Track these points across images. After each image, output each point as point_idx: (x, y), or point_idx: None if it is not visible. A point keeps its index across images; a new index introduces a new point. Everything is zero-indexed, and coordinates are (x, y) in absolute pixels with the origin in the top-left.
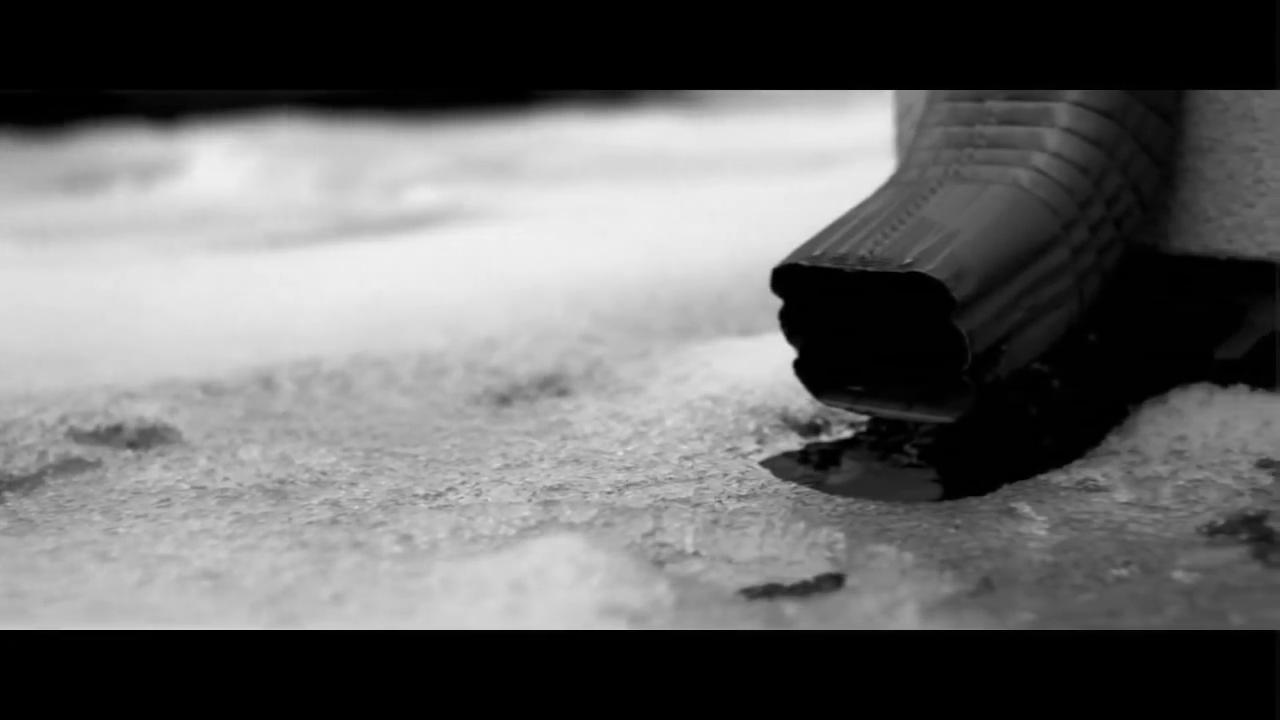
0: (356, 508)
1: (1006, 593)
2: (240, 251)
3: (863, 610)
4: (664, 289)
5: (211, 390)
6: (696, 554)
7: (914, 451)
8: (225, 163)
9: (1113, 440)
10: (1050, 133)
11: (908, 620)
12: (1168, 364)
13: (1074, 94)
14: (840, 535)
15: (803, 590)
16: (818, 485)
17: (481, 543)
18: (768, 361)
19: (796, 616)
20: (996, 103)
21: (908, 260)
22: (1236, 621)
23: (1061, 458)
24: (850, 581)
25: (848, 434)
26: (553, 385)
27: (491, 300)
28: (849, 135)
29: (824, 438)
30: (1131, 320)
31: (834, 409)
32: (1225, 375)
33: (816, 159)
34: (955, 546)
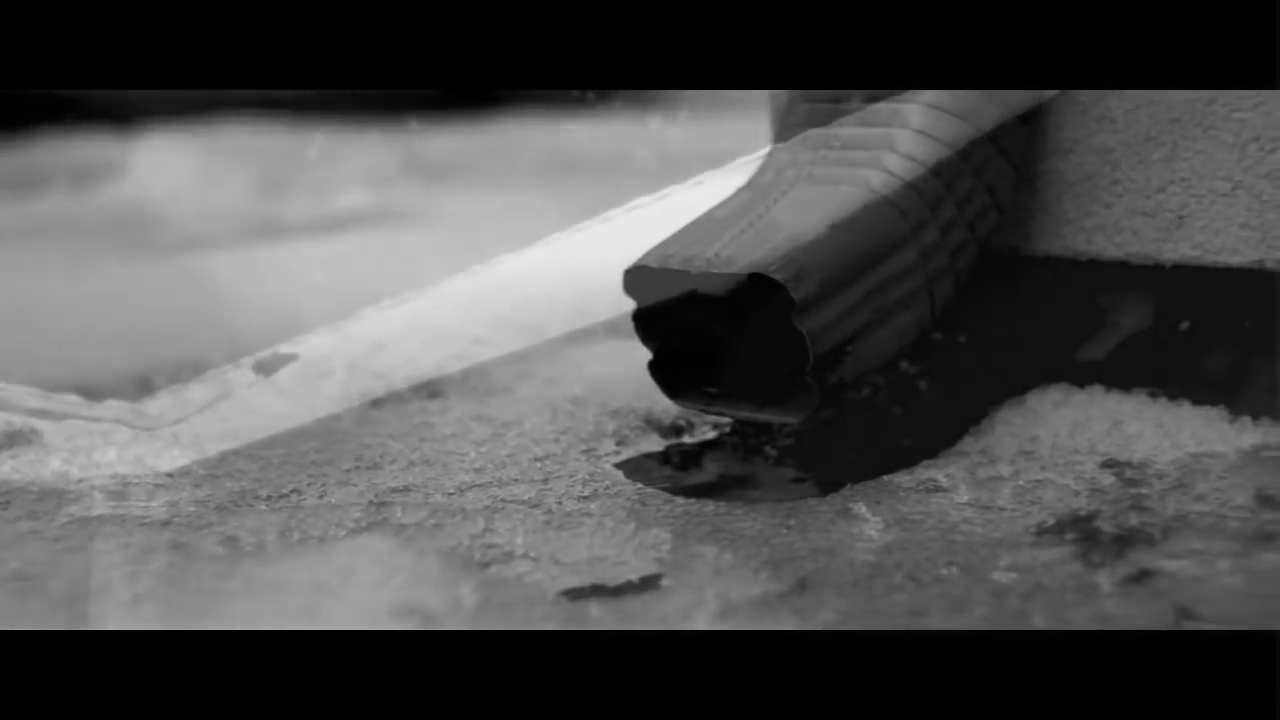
0: (193, 509)
1: (818, 593)
2: (152, 255)
3: (663, 611)
4: (567, 293)
5: (85, 393)
6: (525, 555)
7: (774, 453)
8: (166, 166)
9: (967, 441)
10: (902, 134)
11: (703, 621)
12: (1032, 365)
13: (928, 95)
14: (668, 536)
15: (622, 591)
16: (666, 487)
17: (309, 544)
18: (640, 364)
19: (599, 617)
20: (853, 104)
21: (751, 260)
22: (1038, 622)
23: (913, 459)
24: (665, 582)
25: (711, 435)
26: (427, 388)
27: (391, 302)
28: None
29: (686, 439)
30: (997, 322)
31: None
32: (1086, 376)
33: None
34: (783, 547)
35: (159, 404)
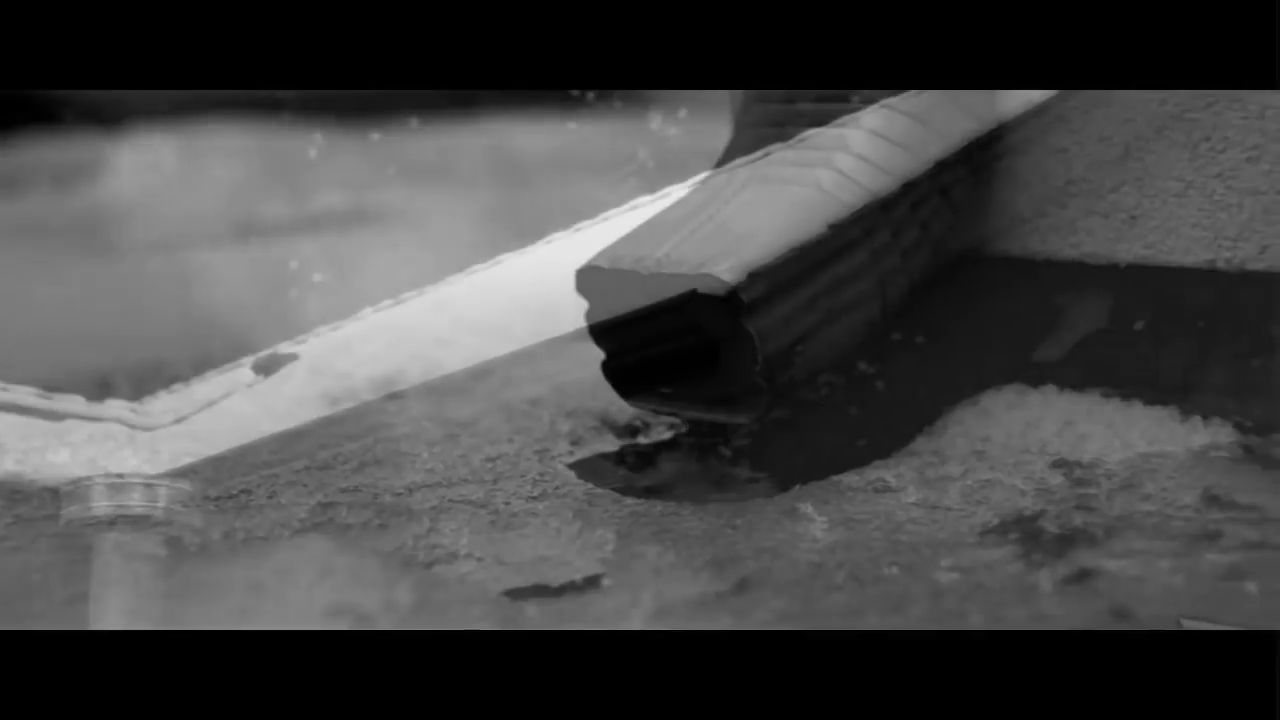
0: (141, 510)
1: (757, 593)
2: (120, 256)
3: (599, 611)
4: (536, 292)
5: (42, 393)
6: (469, 555)
7: (729, 453)
8: (147, 166)
9: (920, 441)
10: (855, 134)
11: (638, 621)
12: (988, 365)
13: (881, 95)
14: (612, 536)
15: (563, 591)
16: (617, 487)
17: (252, 545)
18: (598, 364)
19: (535, 617)
20: (807, 104)
21: (700, 261)
22: (974, 622)
23: (866, 459)
24: (605, 582)
25: (667, 435)
26: (387, 387)
27: (355, 302)
28: None
29: (641, 439)
30: (955, 322)
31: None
32: (1040, 376)
33: None
34: (727, 547)
35: (160, 404)
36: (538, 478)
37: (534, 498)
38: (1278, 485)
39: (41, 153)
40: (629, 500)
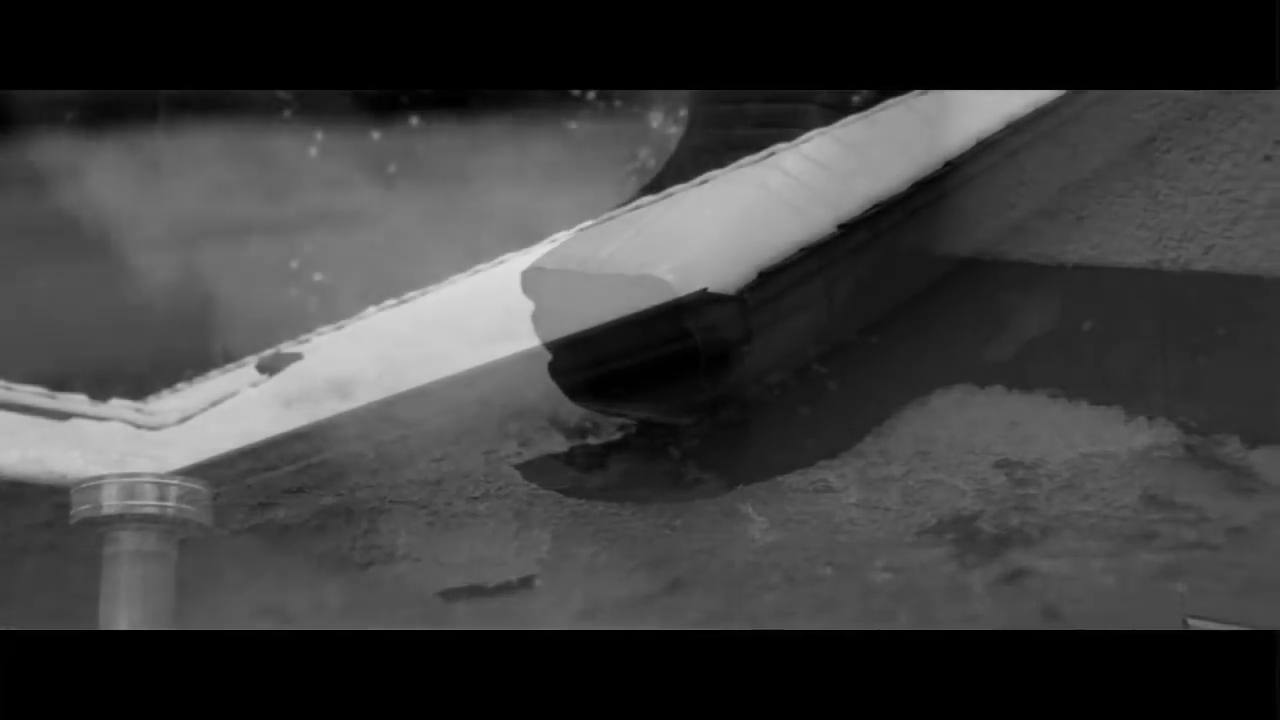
0: (87, 509)
1: (689, 594)
2: (92, 257)
3: (526, 611)
4: (499, 294)
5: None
6: (406, 556)
7: (677, 454)
8: (134, 167)
9: (867, 441)
10: (801, 134)
11: (565, 621)
12: (939, 365)
13: (825, 95)
14: (548, 537)
15: (497, 592)
16: (562, 488)
17: (190, 546)
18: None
19: (462, 617)
20: (754, 105)
21: (643, 262)
22: (903, 621)
23: (811, 459)
24: (538, 582)
25: (617, 436)
26: (344, 388)
27: (321, 304)
28: None
29: (591, 440)
30: (908, 322)
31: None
32: (989, 376)
33: None
34: (665, 547)
35: (163, 403)
36: (481, 478)
37: (475, 498)
38: (1217, 485)
39: (36, 152)
40: (570, 501)
